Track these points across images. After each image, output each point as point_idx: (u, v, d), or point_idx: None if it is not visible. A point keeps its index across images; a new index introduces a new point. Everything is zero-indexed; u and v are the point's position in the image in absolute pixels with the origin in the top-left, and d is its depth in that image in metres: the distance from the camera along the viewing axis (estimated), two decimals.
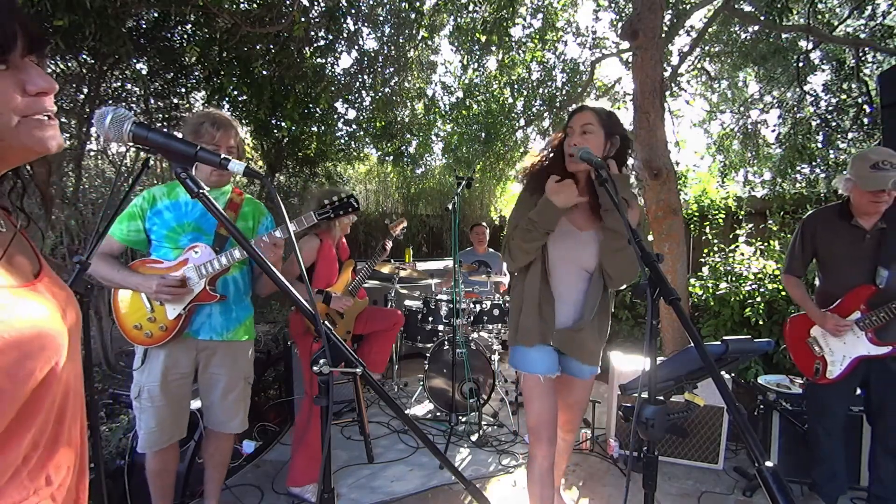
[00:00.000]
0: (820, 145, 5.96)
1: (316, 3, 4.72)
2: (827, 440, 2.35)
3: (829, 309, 2.27)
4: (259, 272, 2.15)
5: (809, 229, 2.35)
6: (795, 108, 6.24)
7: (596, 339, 1.85)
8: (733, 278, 4.12)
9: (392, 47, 5.94)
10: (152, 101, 4.37)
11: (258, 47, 4.41)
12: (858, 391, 2.40)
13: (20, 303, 0.58)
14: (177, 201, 1.96)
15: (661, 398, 1.13)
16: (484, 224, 4.90)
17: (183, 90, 4.57)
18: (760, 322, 3.69)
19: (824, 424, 2.35)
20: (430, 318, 3.77)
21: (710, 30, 5.68)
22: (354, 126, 6.45)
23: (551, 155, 1.85)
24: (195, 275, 1.88)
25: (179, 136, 0.88)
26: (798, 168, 6.04)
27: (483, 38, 5.66)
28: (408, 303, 4.16)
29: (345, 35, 5.18)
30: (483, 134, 7.11)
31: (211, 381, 2.04)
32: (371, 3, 5.65)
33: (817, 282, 2.42)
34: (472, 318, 3.76)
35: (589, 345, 1.83)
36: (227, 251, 1.90)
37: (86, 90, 3.88)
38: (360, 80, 5.87)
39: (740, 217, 5.51)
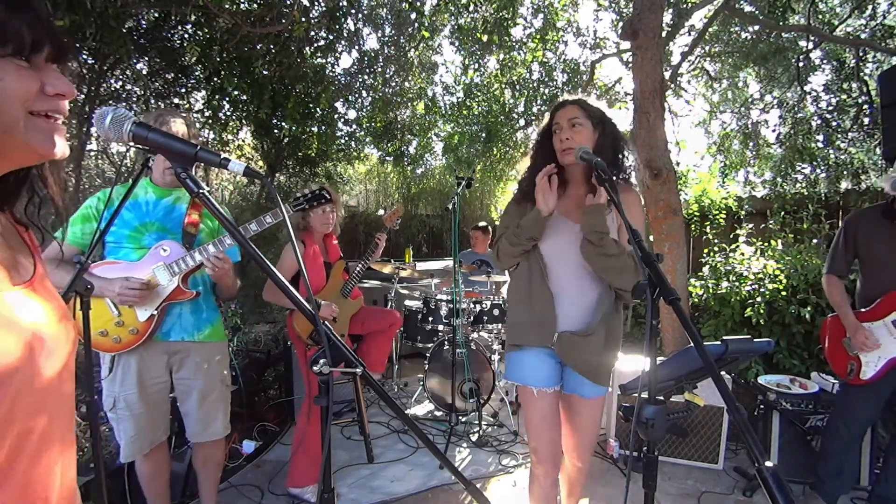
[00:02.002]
0: (820, 145, 5.96)
1: (316, 3, 4.73)
2: (847, 439, 2.34)
3: (866, 310, 2.26)
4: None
5: (852, 229, 2.32)
6: (796, 108, 6.23)
7: (601, 350, 1.65)
8: (734, 278, 4.12)
9: (392, 47, 5.95)
10: (153, 102, 4.37)
11: (259, 47, 4.42)
12: None
13: None
14: (136, 201, 1.89)
15: (661, 398, 1.13)
16: (483, 228, 4.84)
17: (183, 90, 4.58)
18: (761, 322, 3.69)
19: (848, 423, 2.33)
20: (430, 318, 3.77)
21: (710, 29, 5.67)
22: (355, 126, 6.46)
23: (538, 156, 1.77)
24: (167, 273, 1.82)
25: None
26: (798, 168, 6.05)
27: (484, 38, 5.66)
28: (408, 303, 4.16)
29: (345, 35, 5.19)
30: (484, 134, 7.11)
31: (186, 389, 1.97)
32: (371, 3, 5.65)
33: (858, 283, 2.40)
34: (472, 318, 3.75)
35: (593, 357, 1.65)
36: (201, 247, 1.84)
37: (86, 90, 3.89)
38: (361, 80, 5.87)
39: (741, 217, 5.52)
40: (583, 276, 1.69)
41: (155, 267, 1.82)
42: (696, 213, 5.76)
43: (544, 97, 6.70)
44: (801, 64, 5.62)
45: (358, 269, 2.74)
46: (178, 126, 1.84)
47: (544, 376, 1.69)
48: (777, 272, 3.94)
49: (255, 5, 4.47)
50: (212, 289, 2.05)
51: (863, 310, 2.28)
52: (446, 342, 3.52)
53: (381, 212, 3.07)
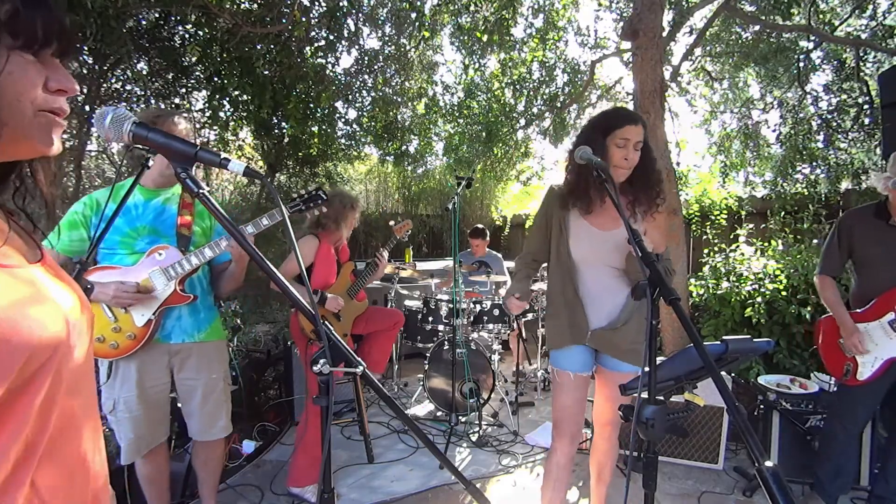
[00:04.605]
0: (821, 145, 5.95)
1: (317, 3, 4.73)
2: (844, 439, 2.33)
3: (861, 310, 2.24)
4: (219, 271, 2.07)
5: (845, 229, 2.30)
6: (796, 109, 6.23)
7: (635, 336, 1.81)
8: (734, 278, 4.11)
9: (392, 47, 5.95)
10: (153, 102, 4.37)
11: (259, 47, 4.41)
12: None
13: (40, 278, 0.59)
14: (125, 205, 1.85)
15: (661, 398, 1.13)
16: (481, 232, 4.79)
17: (184, 90, 4.58)
18: (761, 322, 3.69)
19: (846, 424, 2.32)
20: (430, 318, 3.77)
21: (711, 29, 5.67)
22: (355, 126, 6.47)
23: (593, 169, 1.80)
24: (163, 277, 1.81)
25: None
26: (799, 168, 6.04)
27: (484, 38, 5.66)
28: (408, 303, 4.16)
29: (345, 35, 5.19)
30: (484, 134, 7.11)
31: (188, 389, 1.97)
32: (372, 2, 5.65)
33: (852, 282, 2.38)
34: (472, 318, 3.75)
35: (626, 344, 1.80)
36: (197, 250, 1.83)
37: (86, 90, 3.88)
38: (361, 80, 5.88)
39: (741, 217, 5.52)
40: (612, 279, 1.82)
41: (151, 271, 1.80)
42: (697, 213, 5.76)
43: (544, 97, 6.70)
44: (801, 64, 5.62)
45: (364, 275, 2.80)
46: (181, 126, 1.83)
47: (581, 363, 1.85)
48: (777, 272, 3.93)
49: (256, 5, 4.47)
50: (209, 288, 2.05)
51: (858, 310, 2.26)
52: (446, 342, 3.52)
53: (391, 223, 3.09)
